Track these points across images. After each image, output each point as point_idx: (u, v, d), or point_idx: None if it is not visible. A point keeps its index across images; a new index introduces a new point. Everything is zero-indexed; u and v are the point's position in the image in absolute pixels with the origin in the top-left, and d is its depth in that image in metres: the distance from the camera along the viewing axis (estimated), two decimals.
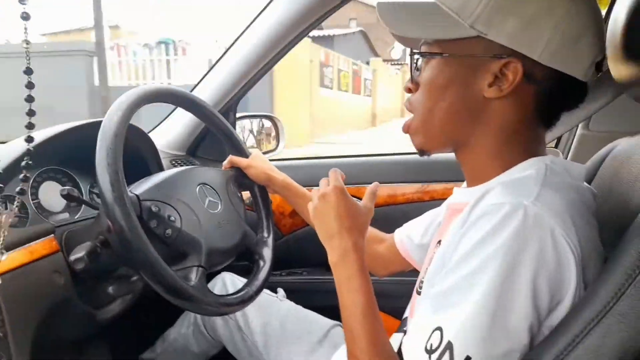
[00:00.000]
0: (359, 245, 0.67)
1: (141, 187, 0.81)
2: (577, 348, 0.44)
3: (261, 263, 0.94)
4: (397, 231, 0.95)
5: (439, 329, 0.50)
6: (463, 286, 0.50)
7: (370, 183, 0.78)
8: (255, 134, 1.48)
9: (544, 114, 0.59)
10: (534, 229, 0.48)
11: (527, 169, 0.57)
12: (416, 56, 0.63)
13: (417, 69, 0.64)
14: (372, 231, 0.99)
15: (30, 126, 0.52)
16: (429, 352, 0.50)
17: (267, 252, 0.96)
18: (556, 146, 1.37)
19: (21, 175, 0.52)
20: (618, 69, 0.57)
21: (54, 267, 0.81)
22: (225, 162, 1.02)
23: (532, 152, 0.59)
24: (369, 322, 0.61)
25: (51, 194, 0.95)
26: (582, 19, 0.55)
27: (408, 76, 0.66)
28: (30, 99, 0.52)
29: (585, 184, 0.62)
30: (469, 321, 0.48)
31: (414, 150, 0.67)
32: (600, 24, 0.57)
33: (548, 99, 0.57)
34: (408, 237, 0.90)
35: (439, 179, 1.30)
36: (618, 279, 0.43)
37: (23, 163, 0.51)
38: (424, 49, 0.62)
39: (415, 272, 0.82)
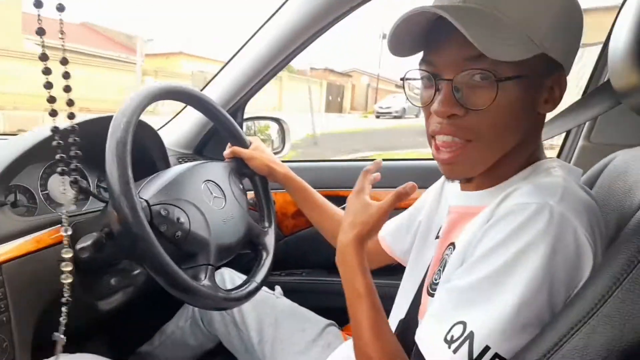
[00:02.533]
0: (358, 239, 0.69)
1: (149, 191, 0.83)
2: (564, 347, 0.45)
3: (264, 254, 0.97)
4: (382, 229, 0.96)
5: (462, 323, 0.51)
6: (489, 283, 0.50)
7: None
8: (260, 135, 1.50)
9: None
10: (559, 229, 0.49)
11: (546, 172, 0.58)
12: (479, 78, 0.55)
13: (457, 90, 0.57)
14: None
15: (71, 116, 0.54)
16: (449, 342, 0.51)
17: (270, 242, 1.00)
18: (558, 156, 1.38)
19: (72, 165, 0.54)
20: (618, 81, 0.58)
21: (59, 257, 0.83)
22: (226, 152, 1.04)
23: (536, 156, 0.61)
24: (370, 315, 0.64)
25: (60, 187, 0.97)
26: (580, 18, 0.59)
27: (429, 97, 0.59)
28: (68, 89, 0.53)
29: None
30: (494, 316, 0.49)
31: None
32: None
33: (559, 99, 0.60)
34: (391, 235, 0.92)
35: None
36: (606, 282, 0.45)
37: (72, 153, 0.53)
38: (484, 67, 0.54)
39: (399, 268, 0.84)
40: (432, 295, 0.65)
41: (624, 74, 0.54)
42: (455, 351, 0.50)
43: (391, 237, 0.92)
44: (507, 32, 0.53)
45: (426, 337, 0.54)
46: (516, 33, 0.53)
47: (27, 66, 10.16)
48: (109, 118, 0.78)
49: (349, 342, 0.94)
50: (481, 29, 0.52)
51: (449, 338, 0.51)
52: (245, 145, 1.05)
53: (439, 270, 0.64)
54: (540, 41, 0.54)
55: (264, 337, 1.01)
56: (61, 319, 0.63)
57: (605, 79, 0.61)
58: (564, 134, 1.34)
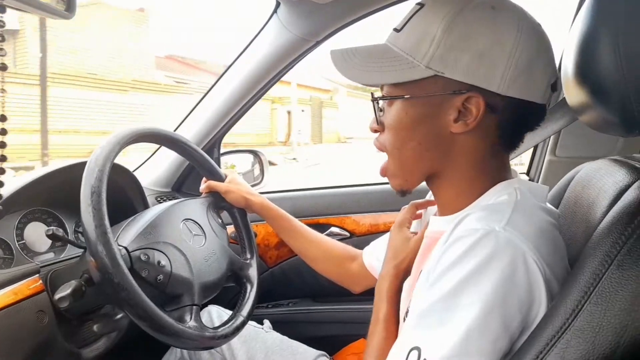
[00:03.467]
0: (396, 272, 0.72)
1: (127, 237, 0.82)
2: None
3: (248, 287, 0.98)
4: (365, 251, 0.97)
5: (417, 348, 0.51)
6: (438, 309, 0.51)
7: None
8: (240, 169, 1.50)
9: (508, 140, 0.62)
10: (506, 253, 0.50)
11: (500, 194, 0.59)
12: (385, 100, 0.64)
13: (381, 110, 0.65)
14: (345, 249, 1.02)
15: (1, 171, 0.54)
16: None
17: (253, 274, 1.00)
18: (527, 172, 1.42)
19: None
20: (572, 98, 0.61)
21: (38, 307, 0.81)
22: (202, 187, 1.05)
23: (501, 177, 0.62)
24: (380, 340, 0.67)
25: (37, 235, 0.96)
26: (531, 46, 0.57)
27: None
28: (3, 132, 0.53)
29: (548, 204, 0.65)
30: (444, 342, 0.50)
31: None
32: (550, 49, 0.61)
33: (511, 125, 0.60)
34: (377, 258, 0.92)
35: None
36: (575, 296, 0.46)
37: None
38: (385, 91, 0.64)
39: None
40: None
41: (576, 92, 0.57)
42: None
43: (377, 260, 0.93)
44: (389, 60, 0.60)
45: None
46: (399, 60, 0.60)
47: None
48: (84, 164, 0.78)
49: None
50: (360, 62, 0.63)
51: None
52: (221, 179, 1.05)
53: (410, 299, 0.65)
54: (427, 64, 0.57)
55: None
56: None
57: (563, 96, 0.63)
58: (531, 150, 1.38)
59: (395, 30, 0.62)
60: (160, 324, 0.73)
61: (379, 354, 0.66)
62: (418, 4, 0.61)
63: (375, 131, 0.67)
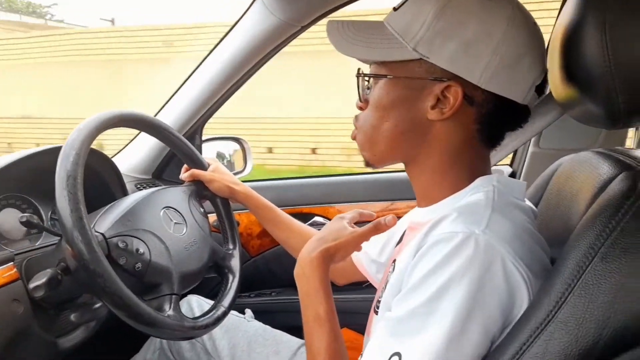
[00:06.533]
0: (322, 255, 0.68)
1: (105, 223, 0.80)
2: (524, 356, 0.46)
3: (230, 277, 0.96)
4: None
5: (397, 354, 0.51)
6: (419, 313, 0.51)
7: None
8: (222, 157, 1.48)
9: (486, 136, 0.61)
10: (485, 258, 0.50)
11: (477, 192, 0.58)
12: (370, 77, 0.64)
13: (368, 88, 0.65)
14: None
15: None
16: None
17: (235, 264, 0.99)
18: (511, 164, 1.43)
19: None
20: (558, 91, 0.60)
21: (12, 296, 0.79)
22: (185, 175, 1.02)
23: (478, 172, 0.61)
24: (330, 342, 0.63)
25: (11, 221, 0.93)
26: (520, 42, 0.57)
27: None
28: None
29: (527, 201, 0.65)
30: (426, 348, 0.49)
31: (379, 170, 0.70)
32: (541, 47, 0.59)
33: (489, 121, 0.59)
34: (364, 252, 0.92)
35: (403, 197, 1.34)
36: (558, 288, 0.46)
37: None
38: (372, 69, 0.64)
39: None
40: (376, 312, 0.66)
41: (562, 87, 0.57)
42: None
43: (364, 254, 0.92)
44: (380, 38, 0.61)
45: None
46: (389, 39, 0.59)
47: None
48: (59, 149, 0.75)
49: None
50: (353, 36, 0.63)
51: None
52: (204, 167, 1.03)
53: (383, 288, 0.65)
54: (414, 46, 0.57)
55: None
56: None
57: (548, 91, 0.63)
58: None
59: (394, 9, 0.62)
60: (138, 313, 0.71)
61: (331, 355, 0.62)
62: None
63: (360, 108, 0.67)
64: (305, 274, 0.68)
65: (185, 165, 1.04)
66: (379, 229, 0.70)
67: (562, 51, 0.55)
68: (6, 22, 11.72)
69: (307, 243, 0.71)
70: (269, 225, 1.03)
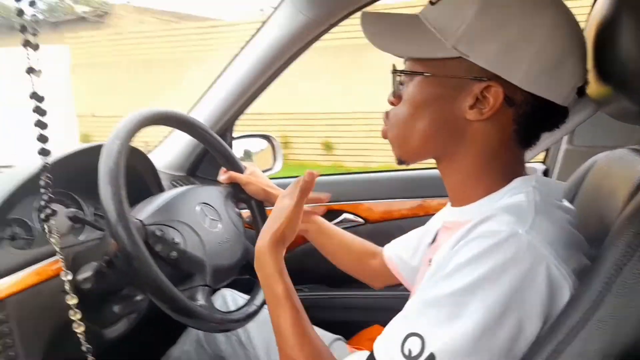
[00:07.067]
0: (272, 242, 0.70)
1: (144, 212, 0.84)
2: (563, 354, 0.46)
3: None
4: (386, 248, 0.96)
5: (419, 336, 0.50)
6: (449, 303, 0.50)
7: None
8: (251, 154, 1.51)
9: (523, 136, 0.60)
10: (527, 258, 0.49)
11: (517, 193, 0.57)
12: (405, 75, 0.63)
13: (401, 83, 0.64)
14: (364, 245, 1.01)
15: (44, 152, 0.55)
16: (408, 357, 0.50)
17: None
18: (544, 161, 1.41)
19: (42, 202, 0.55)
20: (592, 87, 0.60)
21: (61, 287, 0.83)
22: (223, 178, 1.04)
23: (514, 172, 0.60)
24: (293, 317, 0.65)
25: (56, 217, 0.97)
26: (563, 45, 0.56)
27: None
28: (42, 125, 0.54)
29: (566, 201, 0.64)
30: (454, 340, 0.49)
31: (410, 167, 0.69)
32: (583, 49, 0.58)
33: (528, 122, 0.58)
34: (397, 256, 0.92)
35: (434, 194, 1.34)
36: (596, 287, 0.46)
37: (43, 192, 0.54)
38: (407, 65, 0.63)
39: None
40: None
41: (596, 84, 0.56)
42: None
43: (398, 258, 0.92)
44: (417, 33, 0.59)
45: (382, 345, 0.54)
46: (427, 35, 0.58)
47: None
48: (100, 147, 0.79)
49: (356, 356, 0.95)
50: (392, 30, 0.61)
51: (406, 352, 0.50)
52: (240, 170, 1.05)
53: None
54: (454, 44, 0.56)
55: (272, 355, 1.01)
56: None
57: None
58: None
59: (431, 2, 0.61)
60: (172, 298, 0.73)
61: (296, 330, 0.64)
62: None
63: (392, 104, 0.65)
64: (262, 264, 0.70)
65: (222, 168, 1.06)
66: (306, 189, 0.73)
67: (596, 47, 0.54)
68: (160, 12, 11.60)
69: (259, 235, 0.72)
70: (303, 229, 1.03)
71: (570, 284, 0.51)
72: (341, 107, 6.47)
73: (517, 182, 0.59)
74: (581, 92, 0.59)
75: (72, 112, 7.68)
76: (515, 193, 0.58)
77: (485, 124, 0.59)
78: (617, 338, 0.43)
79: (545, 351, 0.48)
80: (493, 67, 0.56)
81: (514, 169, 0.61)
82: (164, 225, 0.82)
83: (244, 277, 0.98)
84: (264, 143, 1.52)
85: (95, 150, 0.79)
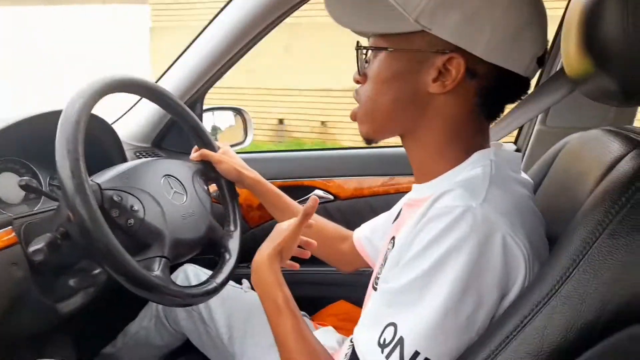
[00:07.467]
0: (270, 257, 0.73)
1: (103, 176, 0.80)
2: (525, 328, 0.47)
3: (227, 256, 0.93)
4: (356, 231, 0.96)
5: (393, 324, 0.52)
6: (416, 286, 0.52)
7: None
8: (220, 126, 1.47)
9: (487, 108, 0.60)
10: (482, 231, 0.51)
11: (475, 166, 0.58)
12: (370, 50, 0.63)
13: (366, 61, 0.64)
14: (336, 229, 1.01)
15: None
16: (382, 346, 0.53)
17: (234, 245, 0.96)
18: (515, 141, 1.42)
19: None
20: (571, 65, 0.59)
21: (11, 260, 0.79)
22: (195, 155, 1.01)
23: (478, 146, 0.61)
24: (294, 324, 0.66)
25: (9, 186, 0.92)
26: (523, 14, 0.56)
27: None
28: None
29: (524, 174, 0.65)
30: (421, 319, 0.51)
31: (381, 145, 0.69)
32: (542, 19, 0.59)
33: (490, 94, 0.59)
34: (367, 238, 0.92)
35: (404, 172, 1.33)
36: (564, 263, 0.46)
37: None
38: (370, 42, 0.63)
39: None
40: (375, 289, 0.67)
41: (577, 62, 0.56)
42: (387, 356, 0.52)
43: (366, 239, 0.92)
44: (380, 9, 0.58)
45: (361, 339, 0.57)
46: (391, 10, 0.56)
47: None
48: (59, 113, 0.74)
49: (319, 332, 0.94)
50: (355, 7, 0.61)
51: (382, 342, 0.53)
52: (213, 148, 1.01)
53: (382, 265, 0.66)
54: (416, 18, 0.55)
55: (234, 332, 1.00)
56: None
57: (559, 67, 0.62)
58: None
59: None
60: (123, 264, 0.70)
61: (297, 336, 0.66)
62: None
63: (358, 82, 0.65)
64: (260, 276, 0.72)
65: (195, 147, 1.02)
66: (308, 213, 0.75)
67: (579, 26, 0.54)
68: None
69: (259, 249, 0.75)
70: (276, 211, 1.02)
71: (525, 253, 0.52)
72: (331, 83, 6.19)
73: (476, 155, 0.60)
74: (541, 61, 0.60)
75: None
76: (473, 167, 0.59)
77: (448, 97, 0.59)
78: (581, 313, 0.44)
79: (510, 324, 0.48)
80: (455, 39, 0.56)
81: (478, 143, 0.62)
82: (123, 191, 0.78)
83: (208, 256, 0.95)
84: (234, 116, 1.48)
85: (55, 116, 0.74)
